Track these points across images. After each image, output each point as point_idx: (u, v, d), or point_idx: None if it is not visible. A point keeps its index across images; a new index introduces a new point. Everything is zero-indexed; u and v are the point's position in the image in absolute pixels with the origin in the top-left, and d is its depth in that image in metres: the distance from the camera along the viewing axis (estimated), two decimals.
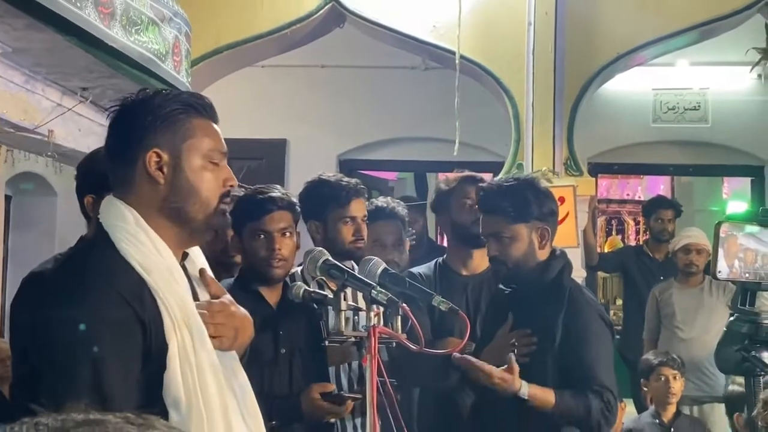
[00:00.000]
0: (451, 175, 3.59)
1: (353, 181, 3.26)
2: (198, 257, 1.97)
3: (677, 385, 4.52)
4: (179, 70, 4.79)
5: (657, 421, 4.49)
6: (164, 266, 1.77)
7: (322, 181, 3.26)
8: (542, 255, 2.99)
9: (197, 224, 1.85)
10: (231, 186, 1.88)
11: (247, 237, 2.95)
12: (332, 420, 2.87)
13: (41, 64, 3.84)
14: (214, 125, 1.89)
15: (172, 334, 1.71)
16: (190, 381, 1.71)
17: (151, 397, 1.68)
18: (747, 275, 1.61)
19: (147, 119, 1.82)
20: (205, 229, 1.88)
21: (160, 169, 1.82)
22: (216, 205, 1.86)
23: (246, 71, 6.76)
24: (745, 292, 1.65)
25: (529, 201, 2.97)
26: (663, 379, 4.51)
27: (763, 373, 1.64)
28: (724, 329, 1.67)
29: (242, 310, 1.93)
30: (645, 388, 4.71)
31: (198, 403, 1.70)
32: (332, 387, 2.83)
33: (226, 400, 1.77)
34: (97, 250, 1.80)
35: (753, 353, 1.61)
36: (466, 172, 3.59)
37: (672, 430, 4.46)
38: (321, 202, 3.18)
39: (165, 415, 1.69)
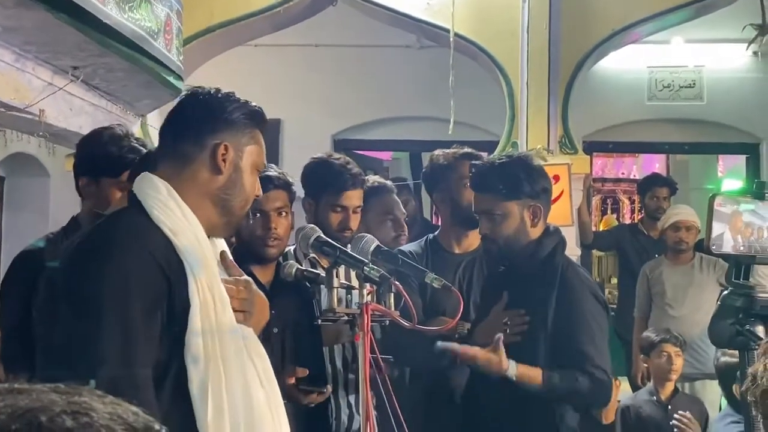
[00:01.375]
0: (449, 151, 3.51)
1: (356, 169, 3.18)
2: (218, 240, 2.08)
3: (679, 362, 4.53)
4: (170, 49, 4.75)
5: (654, 398, 4.49)
6: (191, 232, 1.90)
7: (326, 162, 3.19)
8: (534, 233, 2.96)
9: (235, 219, 2.03)
10: (257, 197, 2.09)
11: None
12: (319, 400, 2.84)
13: (31, 43, 3.80)
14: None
15: (195, 295, 1.83)
16: (210, 341, 1.81)
17: (172, 355, 1.80)
18: (742, 249, 1.60)
19: (223, 115, 2.00)
20: (235, 225, 2.08)
21: (225, 160, 1.98)
22: (250, 208, 2.08)
23: (239, 50, 6.73)
24: (740, 265, 1.64)
25: (521, 178, 2.95)
26: (666, 356, 4.50)
27: (757, 346, 1.63)
28: (718, 303, 1.65)
29: (262, 294, 2.06)
30: (645, 365, 4.71)
31: (217, 362, 1.82)
32: (305, 372, 2.79)
33: (245, 363, 1.88)
34: (128, 214, 1.91)
35: (747, 327, 1.60)
36: (465, 149, 3.50)
37: (669, 407, 4.46)
38: (318, 183, 3.13)
39: (184, 373, 1.81)
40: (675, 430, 4.19)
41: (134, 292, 1.78)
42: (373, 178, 3.71)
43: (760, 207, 1.63)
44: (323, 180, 3.12)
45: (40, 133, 4.27)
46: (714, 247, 1.59)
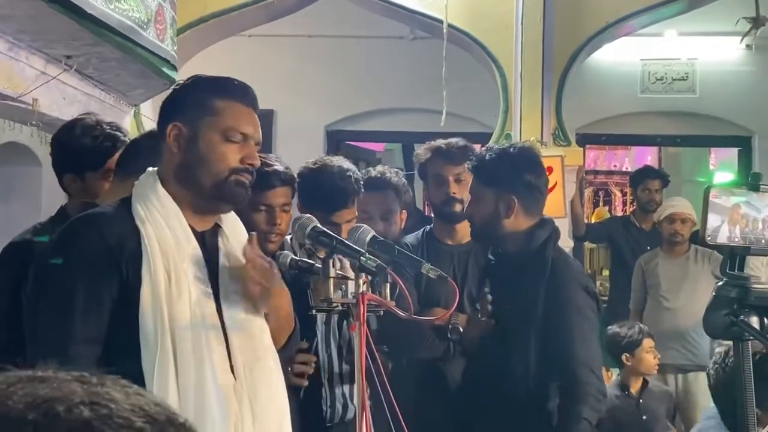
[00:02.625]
0: (425, 147, 3.51)
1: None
2: (234, 232, 2.19)
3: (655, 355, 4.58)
4: (163, 39, 4.73)
5: (626, 392, 4.53)
6: (161, 218, 2.01)
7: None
8: (514, 224, 2.96)
9: (206, 191, 2.06)
10: (249, 164, 2.08)
11: (247, 208, 2.88)
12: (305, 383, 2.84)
13: (25, 31, 3.78)
14: (245, 110, 2.11)
15: (146, 275, 1.94)
16: (160, 321, 1.92)
17: (129, 332, 1.91)
18: (737, 240, 1.61)
19: (176, 97, 2.14)
20: (216, 197, 2.09)
21: (178, 140, 2.07)
22: (226, 176, 2.06)
23: (233, 41, 6.71)
24: (734, 257, 1.65)
25: (501, 168, 2.97)
26: (651, 352, 4.54)
27: (751, 337, 1.64)
28: (713, 294, 1.66)
29: (283, 284, 2.19)
30: (629, 363, 4.70)
31: (166, 344, 1.91)
32: (312, 358, 2.80)
33: (203, 353, 1.95)
34: (103, 207, 2.14)
35: (741, 318, 1.60)
36: (439, 142, 3.48)
37: (641, 400, 4.50)
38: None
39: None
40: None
41: (75, 272, 1.94)
42: (378, 169, 3.67)
43: (754, 198, 1.64)
44: (315, 197, 3.07)
45: (33, 122, 4.25)
46: (709, 238, 1.60)
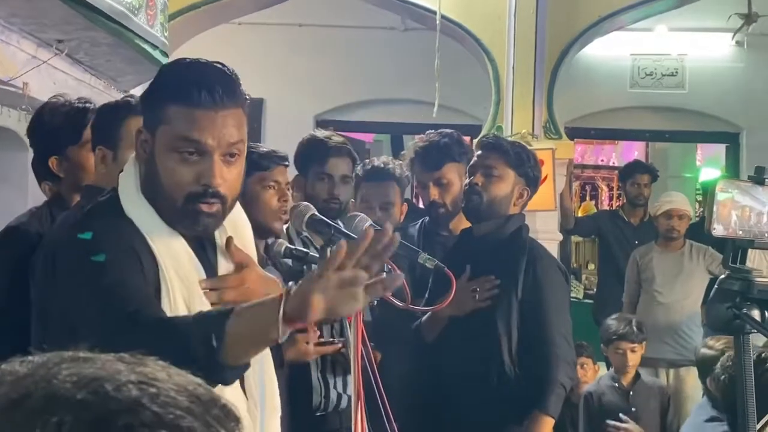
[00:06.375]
0: (416, 144, 3.54)
1: (338, 139, 3.22)
2: (232, 224, 1.87)
3: (635, 357, 4.60)
4: (153, 24, 4.70)
5: (617, 384, 4.57)
6: (154, 226, 1.75)
7: (311, 137, 3.26)
8: (513, 210, 3.21)
9: (166, 204, 1.73)
10: (205, 185, 1.69)
11: (253, 185, 2.77)
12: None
13: (17, 15, 3.75)
14: (204, 113, 1.69)
15: (162, 282, 1.71)
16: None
17: None
18: (740, 233, 1.61)
19: (144, 96, 1.81)
20: (178, 218, 1.73)
21: (144, 147, 1.75)
22: (182, 203, 1.71)
23: (223, 29, 6.67)
24: (737, 249, 1.65)
25: (528, 159, 3.23)
26: (621, 352, 4.57)
27: (753, 330, 1.64)
28: (715, 287, 1.66)
29: (268, 276, 1.90)
30: (605, 354, 4.79)
31: None
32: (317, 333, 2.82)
33: None
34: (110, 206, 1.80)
35: (744, 311, 1.61)
36: (419, 143, 3.53)
37: (631, 393, 4.53)
38: (305, 156, 3.17)
39: None
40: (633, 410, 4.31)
41: (112, 250, 1.67)
42: (382, 159, 3.68)
43: (759, 192, 1.64)
44: (308, 152, 3.16)
45: (23, 107, 4.21)
46: (714, 231, 1.60)
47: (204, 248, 1.84)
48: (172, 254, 1.73)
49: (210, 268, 1.83)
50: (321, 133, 3.29)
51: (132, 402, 0.61)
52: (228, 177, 1.71)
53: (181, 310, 1.69)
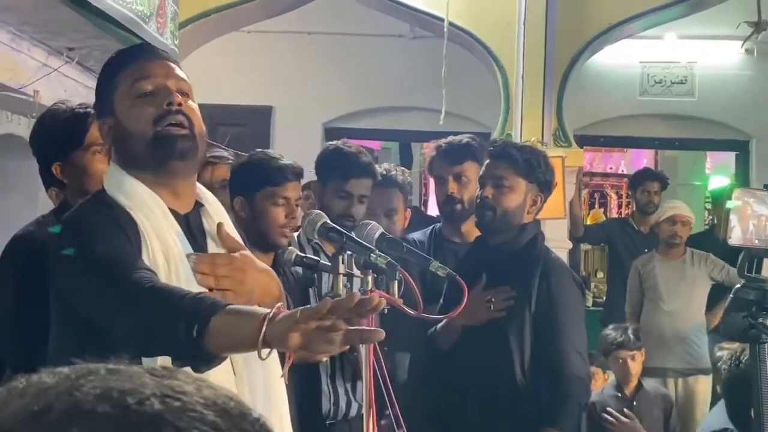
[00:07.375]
0: (438, 142, 3.54)
1: (366, 159, 3.20)
2: (217, 211, 2.00)
3: (635, 366, 4.58)
4: (163, 32, 4.71)
5: (620, 394, 4.55)
6: (142, 202, 1.86)
7: (338, 149, 3.25)
8: (527, 218, 3.14)
9: (142, 159, 1.88)
10: (168, 105, 1.86)
11: (262, 200, 2.85)
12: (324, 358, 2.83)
13: (28, 23, 3.77)
14: (148, 63, 1.92)
15: (145, 259, 1.79)
16: None
17: None
18: (757, 242, 1.60)
19: (95, 94, 2.00)
20: (157, 160, 1.87)
21: (109, 133, 1.93)
22: (152, 133, 1.87)
23: (232, 37, 6.68)
24: (752, 258, 1.64)
25: (539, 164, 3.13)
26: (620, 361, 4.56)
27: None
28: (731, 296, 1.65)
29: (261, 265, 1.95)
30: (606, 365, 4.78)
31: None
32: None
33: None
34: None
35: (760, 320, 1.59)
36: (443, 140, 3.53)
37: (635, 403, 4.51)
38: (327, 168, 3.19)
39: None
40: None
41: (102, 229, 1.81)
42: (385, 167, 3.68)
43: None
44: (332, 165, 3.15)
45: (34, 114, 4.23)
46: (730, 239, 1.59)
47: (194, 237, 1.92)
48: (155, 225, 1.84)
49: (200, 251, 1.90)
50: (348, 148, 3.25)
51: (154, 416, 0.60)
52: (186, 105, 1.89)
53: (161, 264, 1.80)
